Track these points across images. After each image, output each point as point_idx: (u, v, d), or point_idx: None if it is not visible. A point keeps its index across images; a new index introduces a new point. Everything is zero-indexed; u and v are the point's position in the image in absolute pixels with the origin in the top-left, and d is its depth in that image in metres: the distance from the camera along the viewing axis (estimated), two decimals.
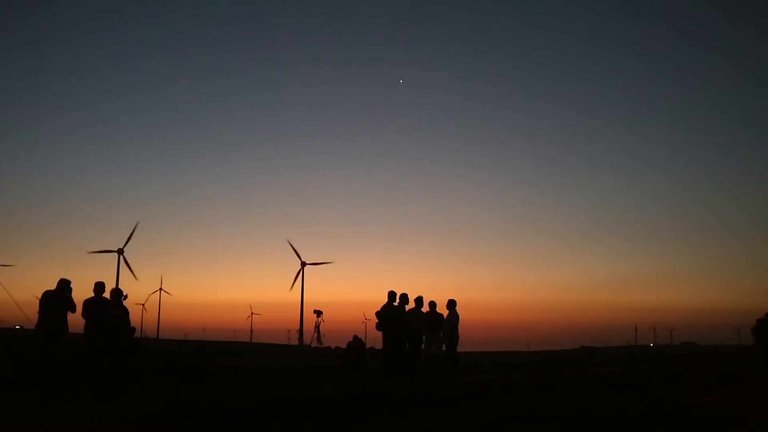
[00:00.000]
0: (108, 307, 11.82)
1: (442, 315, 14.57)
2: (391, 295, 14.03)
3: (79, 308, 11.35)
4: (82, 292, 11.41)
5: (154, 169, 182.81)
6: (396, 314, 13.89)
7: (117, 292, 12.44)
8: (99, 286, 11.92)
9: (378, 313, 14.01)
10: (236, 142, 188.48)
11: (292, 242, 58.97)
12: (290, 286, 59.76)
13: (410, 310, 14.20)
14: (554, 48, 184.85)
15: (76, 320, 11.36)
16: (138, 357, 15.21)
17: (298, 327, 62.93)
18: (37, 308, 11.21)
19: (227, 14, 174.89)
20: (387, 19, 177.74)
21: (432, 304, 14.64)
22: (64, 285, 11.19)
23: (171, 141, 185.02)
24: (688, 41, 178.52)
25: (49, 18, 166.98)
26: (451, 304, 14.74)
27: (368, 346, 25.16)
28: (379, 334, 14.31)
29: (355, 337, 24.92)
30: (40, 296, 11.17)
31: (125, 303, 12.66)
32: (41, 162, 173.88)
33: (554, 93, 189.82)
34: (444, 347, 14.71)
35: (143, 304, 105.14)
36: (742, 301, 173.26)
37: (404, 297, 14.17)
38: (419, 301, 14.32)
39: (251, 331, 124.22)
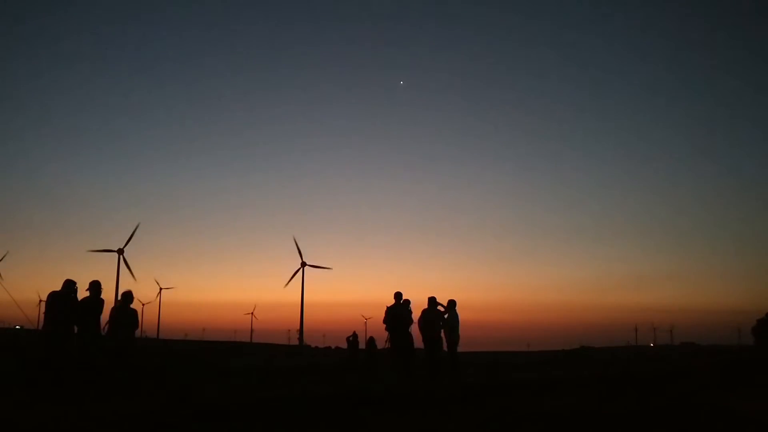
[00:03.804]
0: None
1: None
2: (398, 295, 14.21)
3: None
4: (84, 291, 11.41)
5: (154, 170, 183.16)
6: (406, 313, 14.10)
7: (94, 285, 12.04)
8: (93, 285, 11.68)
9: (390, 309, 14.14)
10: (237, 143, 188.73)
11: (297, 240, 59.36)
12: (286, 282, 60.00)
13: (425, 310, 14.32)
14: (556, 48, 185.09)
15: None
16: (133, 356, 15.10)
17: (298, 327, 63.14)
18: (37, 308, 11.19)
19: (228, 16, 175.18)
20: (387, 20, 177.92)
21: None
22: (70, 286, 11.20)
23: (171, 141, 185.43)
24: (688, 42, 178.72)
25: (50, 21, 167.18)
26: (451, 304, 14.76)
27: (361, 346, 25.19)
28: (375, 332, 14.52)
29: (355, 335, 24.99)
30: (45, 297, 11.16)
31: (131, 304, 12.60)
32: (41, 162, 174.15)
33: (554, 93, 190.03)
34: (444, 347, 14.77)
35: (143, 305, 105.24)
36: (742, 301, 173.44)
37: (406, 301, 14.35)
38: (433, 301, 14.44)
39: (251, 330, 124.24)
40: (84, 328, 11.40)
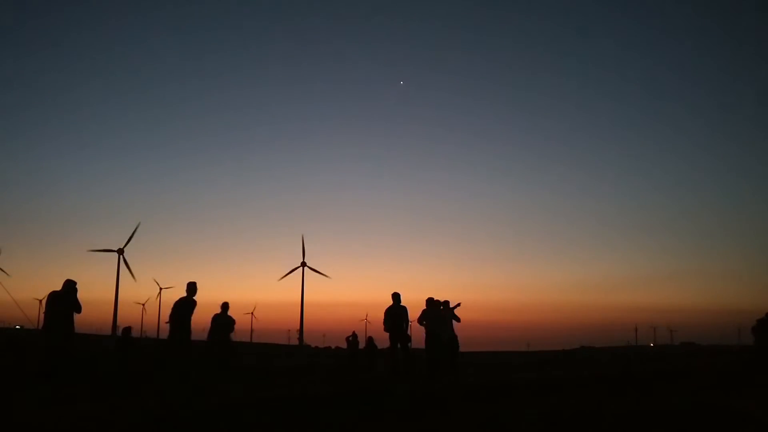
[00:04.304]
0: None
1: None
2: (395, 296, 14.23)
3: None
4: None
5: (155, 169, 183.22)
6: (402, 314, 14.15)
7: (191, 286, 12.59)
8: (190, 286, 12.52)
9: (388, 310, 14.19)
10: (236, 142, 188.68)
11: (304, 240, 59.50)
12: (281, 276, 60.08)
13: (426, 312, 14.36)
14: (559, 46, 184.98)
15: (80, 320, 11.34)
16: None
17: (298, 327, 63.21)
18: (38, 308, 11.28)
19: (228, 14, 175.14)
20: (387, 20, 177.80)
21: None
22: (70, 285, 11.21)
23: (171, 141, 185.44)
24: (692, 42, 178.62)
25: (53, 18, 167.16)
26: (444, 305, 14.91)
27: (361, 346, 25.18)
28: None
29: (355, 335, 24.95)
30: (45, 297, 11.21)
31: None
32: (41, 161, 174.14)
33: (553, 93, 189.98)
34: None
35: (143, 304, 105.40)
36: (742, 301, 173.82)
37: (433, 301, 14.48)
38: (437, 303, 14.48)
39: (251, 330, 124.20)
40: (179, 328, 12.16)
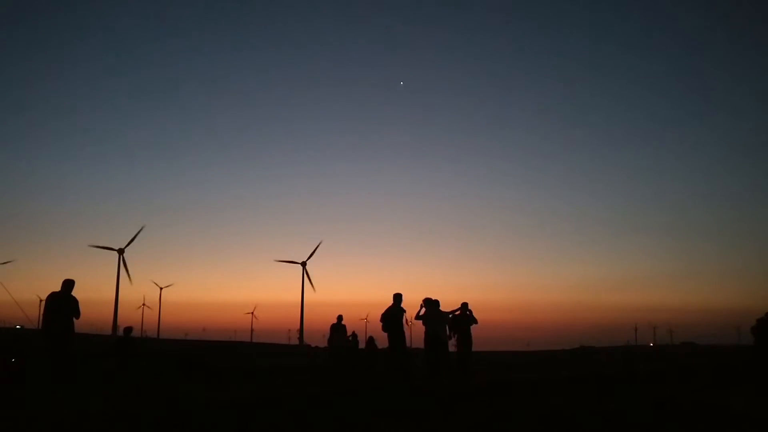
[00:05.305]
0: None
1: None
2: (397, 297, 14.15)
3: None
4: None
5: (156, 170, 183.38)
6: (400, 315, 14.09)
7: (397, 296, 13.78)
8: (397, 296, 13.61)
9: (383, 315, 14.14)
10: (238, 143, 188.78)
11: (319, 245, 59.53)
12: (279, 259, 60.37)
13: (426, 312, 14.30)
14: (560, 48, 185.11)
15: (80, 320, 11.29)
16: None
17: (298, 327, 63.21)
18: (37, 308, 11.24)
19: (231, 17, 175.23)
20: (387, 21, 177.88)
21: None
22: (69, 286, 11.20)
23: (173, 141, 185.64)
24: (691, 42, 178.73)
25: (57, 20, 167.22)
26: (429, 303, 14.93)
27: (361, 346, 25.10)
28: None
29: (355, 335, 24.93)
30: (45, 297, 11.19)
31: None
32: (44, 162, 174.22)
33: (553, 94, 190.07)
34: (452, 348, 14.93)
35: (144, 305, 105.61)
36: (742, 301, 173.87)
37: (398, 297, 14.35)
38: (436, 303, 14.40)
39: (251, 330, 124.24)
40: (395, 333, 13.62)
